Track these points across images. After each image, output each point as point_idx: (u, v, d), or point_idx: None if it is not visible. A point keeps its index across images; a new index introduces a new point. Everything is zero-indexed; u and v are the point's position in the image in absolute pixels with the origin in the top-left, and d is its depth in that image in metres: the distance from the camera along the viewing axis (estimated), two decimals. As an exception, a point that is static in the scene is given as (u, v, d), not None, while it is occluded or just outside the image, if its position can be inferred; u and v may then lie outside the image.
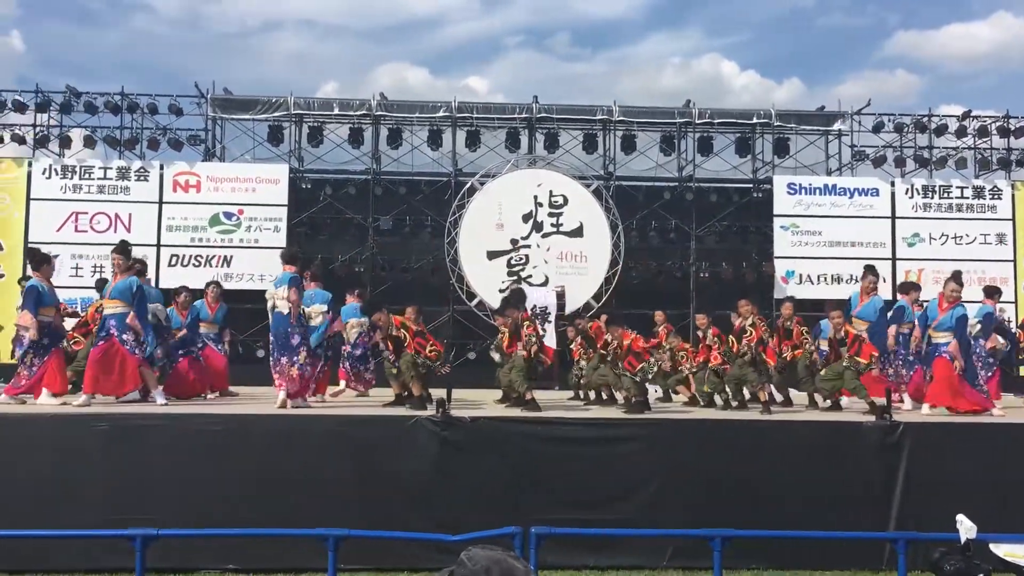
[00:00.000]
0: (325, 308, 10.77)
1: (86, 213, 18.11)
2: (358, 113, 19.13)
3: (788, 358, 10.40)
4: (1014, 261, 18.82)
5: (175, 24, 45.03)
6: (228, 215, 18.29)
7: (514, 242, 18.62)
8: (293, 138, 19.52)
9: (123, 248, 9.38)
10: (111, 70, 44.05)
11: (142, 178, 18.34)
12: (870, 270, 10.98)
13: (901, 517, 7.68)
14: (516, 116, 19.40)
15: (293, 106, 18.95)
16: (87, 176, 18.30)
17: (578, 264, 18.45)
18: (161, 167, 18.43)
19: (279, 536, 6.30)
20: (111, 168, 18.36)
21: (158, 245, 17.81)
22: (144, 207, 18.20)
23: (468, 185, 18.88)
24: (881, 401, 8.64)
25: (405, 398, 9.49)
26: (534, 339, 9.47)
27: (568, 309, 17.35)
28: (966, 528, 3.54)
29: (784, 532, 6.62)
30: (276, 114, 19.00)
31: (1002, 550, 3.51)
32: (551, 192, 18.76)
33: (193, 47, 43.83)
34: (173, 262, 17.66)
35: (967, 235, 19.04)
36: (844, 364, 9.55)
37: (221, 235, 18.08)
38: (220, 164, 19.16)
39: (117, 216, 18.10)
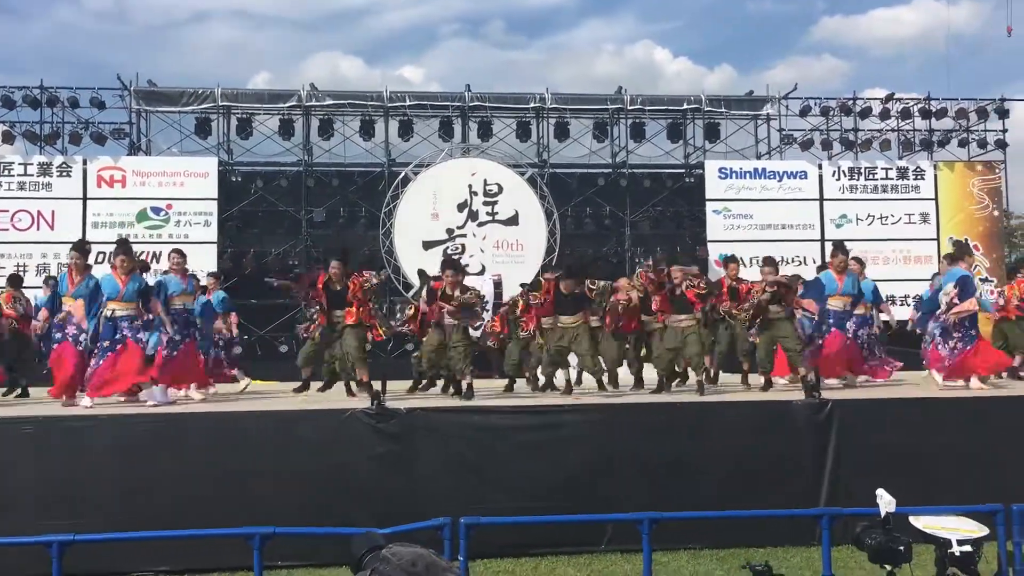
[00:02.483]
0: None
1: (6, 211, 17.57)
2: (288, 104, 18.87)
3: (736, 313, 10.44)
4: (937, 240, 19.37)
5: (101, 16, 43.90)
6: (156, 210, 17.90)
7: (450, 231, 18.59)
8: (221, 130, 19.19)
9: (126, 247, 9.11)
10: (34, 64, 42.85)
11: (64, 174, 17.84)
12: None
13: (832, 493, 7.85)
14: (449, 105, 19.34)
15: (221, 97, 18.61)
16: (6, 173, 17.74)
17: (514, 252, 18.49)
18: (84, 162, 17.96)
19: (208, 536, 6.20)
20: (31, 164, 17.83)
21: (83, 242, 17.30)
22: (67, 203, 17.72)
23: (402, 175, 18.77)
24: (811, 378, 8.83)
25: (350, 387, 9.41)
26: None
27: (506, 297, 17.35)
28: (885, 502, 3.63)
29: (709, 512, 6.72)
30: (203, 106, 18.64)
31: (921, 522, 3.61)
32: (486, 181, 18.76)
33: (121, 40, 42.82)
34: (100, 259, 17.11)
35: (892, 215, 19.55)
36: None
37: (149, 231, 17.69)
38: (146, 158, 18.76)
39: (39, 213, 17.60)
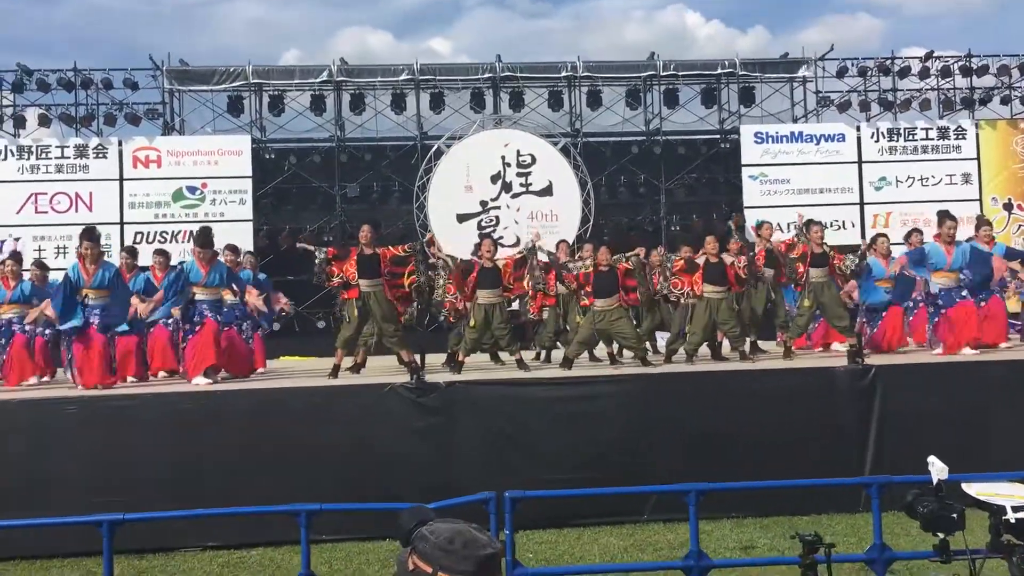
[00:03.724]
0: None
1: (45, 194, 17.74)
2: (319, 80, 18.84)
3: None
4: (980, 200, 18.97)
5: (125, -4, 43.97)
6: (192, 189, 18.00)
7: (483, 204, 18.52)
8: (254, 108, 19.20)
9: (206, 236, 9.50)
10: (66, 46, 42.96)
11: (101, 155, 17.99)
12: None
13: (876, 460, 7.77)
14: (480, 76, 19.20)
15: (252, 75, 18.61)
16: (44, 156, 17.91)
17: (549, 223, 18.37)
18: (120, 143, 18.07)
19: (253, 513, 6.27)
20: (68, 146, 17.99)
21: (121, 223, 17.51)
22: (105, 185, 17.87)
23: (434, 148, 18.71)
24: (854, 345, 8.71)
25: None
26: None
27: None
28: (937, 469, 3.56)
29: (756, 483, 6.66)
30: (235, 84, 18.65)
31: (974, 489, 3.53)
32: (518, 152, 18.64)
33: (150, 19, 42.85)
34: (138, 239, 17.33)
35: (933, 176, 19.15)
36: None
37: (185, 210, 17.80)
38: (180, 137, 18.84)
39: (77, 195, 17.76)
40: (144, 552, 7.02)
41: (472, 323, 9.48)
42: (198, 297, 9.21)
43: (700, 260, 9.80)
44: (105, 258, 9.42)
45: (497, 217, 18.43)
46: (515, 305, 11.08)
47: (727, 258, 9.79)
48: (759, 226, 11.05)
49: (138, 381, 9.85)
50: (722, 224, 18.66)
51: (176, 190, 17.95)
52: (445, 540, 1.94)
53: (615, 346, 10.34)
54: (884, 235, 11.40)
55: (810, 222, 10.02)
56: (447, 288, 9.84)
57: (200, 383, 8.67)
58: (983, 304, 9.82)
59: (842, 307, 9.70)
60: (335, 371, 9.17)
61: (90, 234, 9.11)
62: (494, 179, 18.57)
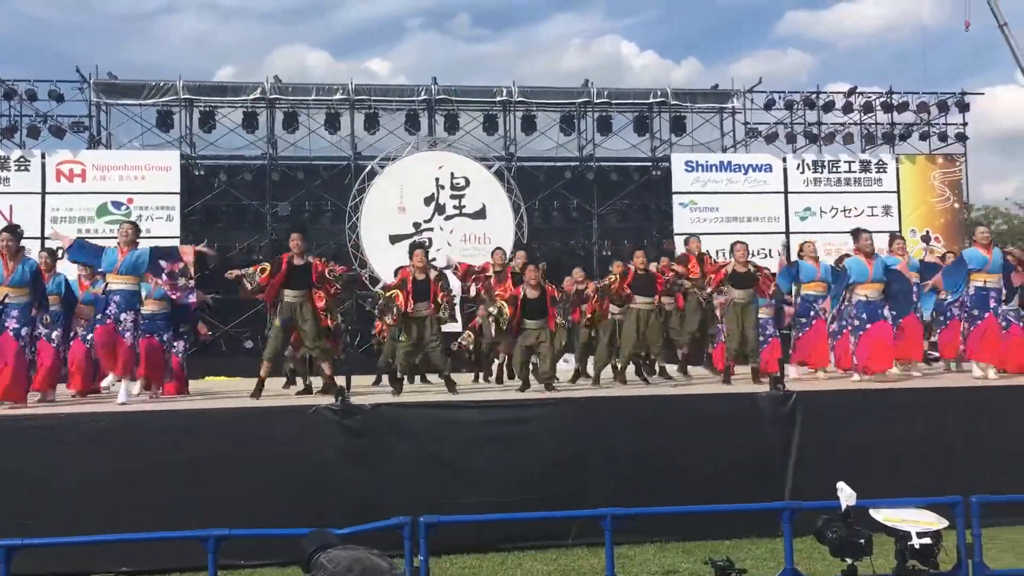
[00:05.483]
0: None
1: (-37, 206, 17.22)
2: (251, 97, 18.66)
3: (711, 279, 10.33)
4: (899, 231, 19.56)
5: (65, 8, 43.06)
6: (117, 204, 17.65)
7: (417, 225, 18.52)
8: (184, 123, 18.93)
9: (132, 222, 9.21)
10: (-1, 56, 41.81)
11: (23, 168, 17.53)
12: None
13: (796, 485, 7.89)
14: (415, 98, 19.25)
15: (183, 90, 18.36)
16: (-37, 167, 17.39)
17: (482, 246, 18.41)
18: (43, 156, 17.66)
19: (159, 539, 6.10)
20: (-11, 158, 17.50)
21: (42, 238, 17.02)
22: (26, 198, 17.44)
23: (368, 169, 18.66)
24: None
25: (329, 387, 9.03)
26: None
27: (473, 291, 17.29)
28: (846, 495, 3.65)
29: (669, 508, 6.69)
30: (165, 99, 18.38)
31: (881, 515, 3.63)
32: (452, 174, 18.71)
33: (86, 31, 42.03)
34: (61, 255, 16.82)
35: (855, 207, 19.74)
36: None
37: (110, 225, 17.37)
38: (106, 152, 18.48)
39: (-3, 208, 17.27)
40: (55, 578, 6.78)
41: (403, 337, 9.28)
42: (112, 287, 8.69)
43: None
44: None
45: (430, 239, 18.41)
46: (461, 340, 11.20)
47: (654, 266, 10.03)
48: (686, 241, 11.37)
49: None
50: (652, 250, 18.97)
51: (100, 205, 17.59)
52: (343, 569, 1.93)
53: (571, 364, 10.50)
54: (810, 241, 11.66)
55: (736, 243, 10.20)
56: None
57: (120, 400, 8.42)
58: (900, 321, 10.20)
59: (757, 334, 9.89)
60: (258, 388, 8.90)
61: (13, 230, 8.58)
62: (428, 201, 18.59)
